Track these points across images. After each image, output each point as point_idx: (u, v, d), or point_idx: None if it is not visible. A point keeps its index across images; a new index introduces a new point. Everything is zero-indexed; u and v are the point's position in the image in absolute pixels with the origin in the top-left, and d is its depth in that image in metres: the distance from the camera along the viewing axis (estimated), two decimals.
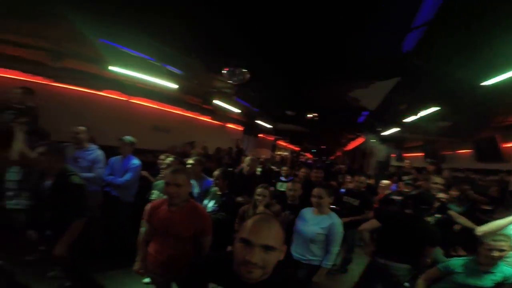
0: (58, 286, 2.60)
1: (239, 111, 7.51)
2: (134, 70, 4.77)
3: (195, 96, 6.89)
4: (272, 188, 3.25)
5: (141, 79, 5.14)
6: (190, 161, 3.26)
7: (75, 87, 5.50)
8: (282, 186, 4.48)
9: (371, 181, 6.02)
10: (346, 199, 3.99)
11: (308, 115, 8.00)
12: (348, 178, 5.11)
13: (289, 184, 3.11)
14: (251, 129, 10.60)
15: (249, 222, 1.03)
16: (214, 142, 8.00)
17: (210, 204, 2.89)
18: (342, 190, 4.67)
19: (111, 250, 3.27)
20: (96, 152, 3.25)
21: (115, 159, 3.55)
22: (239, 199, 3.26)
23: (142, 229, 2.79)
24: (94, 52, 4.35)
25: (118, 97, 6.21)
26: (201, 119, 8.57)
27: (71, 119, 3.61)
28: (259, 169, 5.14)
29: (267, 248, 0.97)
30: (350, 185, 4.60)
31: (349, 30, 3.38)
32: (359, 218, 3.63)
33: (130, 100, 6.49)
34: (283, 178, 4.78)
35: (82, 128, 3.21)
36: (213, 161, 6.30)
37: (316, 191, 2.50)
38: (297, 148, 21.74)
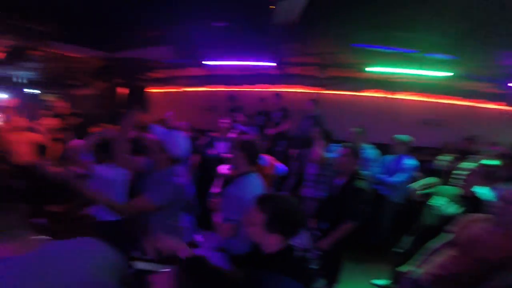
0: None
1: None
2: (392, 66, 4.74)
3: (476, 81, 5.56)
4: None
5: (402, 74, 4.92)
6: (487, 162, 2.44)
7: (339, 91, 6.37)
8: None
9: None
10: None
11: None
12: None
13: None
14: None
15: None
16: (507, 136, 5.71)
17: None
18: None
19: (359, 244, 3.10)
20: (369, 151, 3.44)
21: (388, 158, 3.57)
22: None
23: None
24: (349, 58, 4.80)
25: (377, 95, 6.37)
26: (484, 108, 6.47)
27: (340, 121, 4.23)
28: None
29: None
30: None
31: None
32: None
33: (391, 96, 6.39)
34: None
35: (357, 129, 3.54)
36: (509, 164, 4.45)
37: None
38: None
